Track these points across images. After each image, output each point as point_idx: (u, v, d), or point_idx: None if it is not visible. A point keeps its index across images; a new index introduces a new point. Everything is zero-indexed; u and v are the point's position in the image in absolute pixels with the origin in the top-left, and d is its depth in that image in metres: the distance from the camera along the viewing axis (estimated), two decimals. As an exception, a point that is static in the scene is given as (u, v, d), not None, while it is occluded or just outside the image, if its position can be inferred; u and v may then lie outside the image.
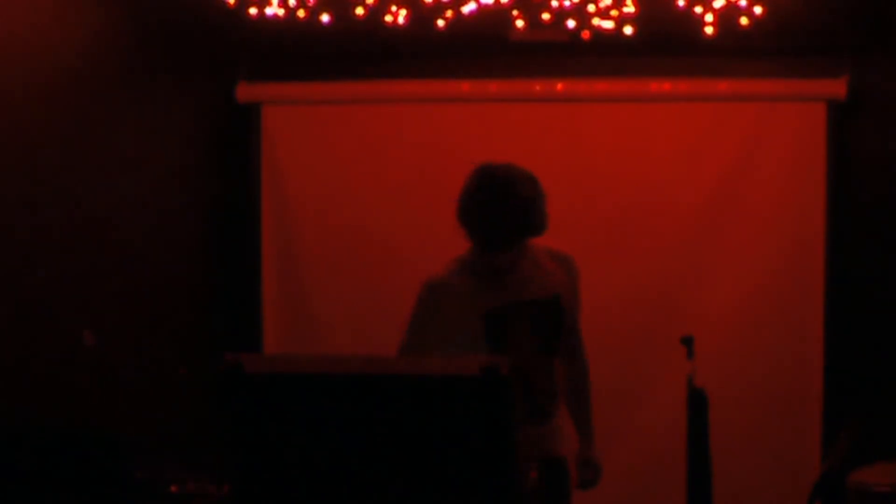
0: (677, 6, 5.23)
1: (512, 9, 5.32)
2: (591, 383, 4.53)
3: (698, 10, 5.25)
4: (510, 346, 4.17)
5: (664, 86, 5.91)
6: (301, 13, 5.42)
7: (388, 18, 5.41)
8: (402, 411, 3.35)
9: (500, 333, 4.17)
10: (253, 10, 5.41)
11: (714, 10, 5.23)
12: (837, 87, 5.76)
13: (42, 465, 4.45)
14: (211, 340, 5.89)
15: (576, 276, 4.35)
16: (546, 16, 5.30)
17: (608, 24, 5.28)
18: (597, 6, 5.23)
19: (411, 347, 4.21)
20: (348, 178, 6.09)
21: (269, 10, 5.39)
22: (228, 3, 5.37)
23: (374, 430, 3.34)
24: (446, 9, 5.34)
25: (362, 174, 6.06)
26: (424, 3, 5.31)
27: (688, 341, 4.23)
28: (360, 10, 5.36)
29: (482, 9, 5.29)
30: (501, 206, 4.14)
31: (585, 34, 5.35)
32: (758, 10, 5.22)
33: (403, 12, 5.37)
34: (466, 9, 5.30)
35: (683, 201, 5.92)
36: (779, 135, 5.86)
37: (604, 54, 5.78)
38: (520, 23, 5.34)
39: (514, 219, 4.15)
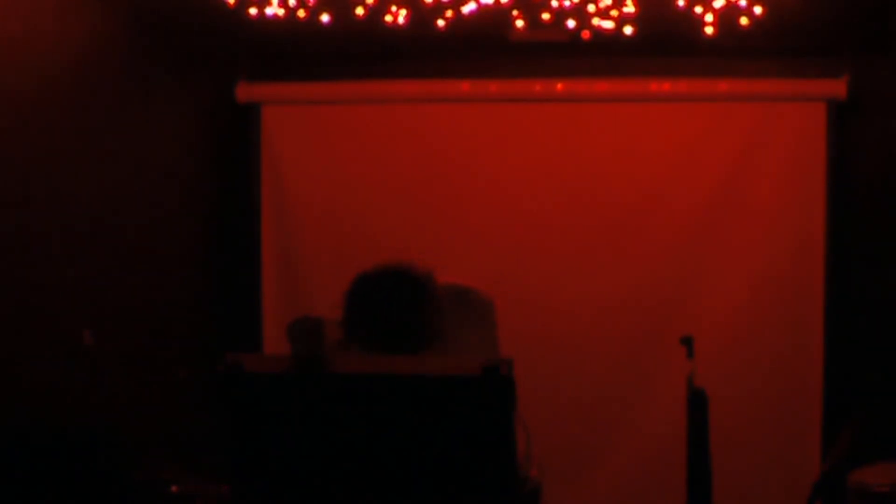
0: (677, 6, 5.22)
1: (512, 9, 5.31)
2: None
3: (698, 10, 5.25)
4: None
5: (664, 86, 5.91)
6: (301, 13, 5.42)
7: (388, 18, 5.40)
8: (402, 411, 3.34)
9: None
10: (253, 10, 5.40)
11: (714, 10, 5.23)
12: (837, 87, 5.76)
13: (42, 465, 4.45)
14: (211, 340, 5.89)
15: (481, 309, 3.96)
16: (546, 16, 5.30)
17: (608, 24, 5.28)
18: (597, 6, 5.23)
19: None
20: (348, 178, 6.09)
21: (269, 10, 5.39)
22: (228, 3, 5.37)
23: (374, 430, 3.34)
24: (446, 9, 5.34)
25: (362, 174, 6.06)
26: (424, 3, 5.31)
27: (688, 341, 4.23)
28: (360, 10, 5.35)
29: (482, 9, 5.28)
30: (414, 337, 3.69)
31: (585, 34, 5.34)
32: (758, 10, 5.22)
33: (403, 12, 5.37)
34: (466, 9, 5.29)
35: (683, 201, 5.91)
36: (779, 135, 5.86)
37: (604, 54, 5.78)
38: (520, 23, 5.34)
39: (427, 342, 3.70)
